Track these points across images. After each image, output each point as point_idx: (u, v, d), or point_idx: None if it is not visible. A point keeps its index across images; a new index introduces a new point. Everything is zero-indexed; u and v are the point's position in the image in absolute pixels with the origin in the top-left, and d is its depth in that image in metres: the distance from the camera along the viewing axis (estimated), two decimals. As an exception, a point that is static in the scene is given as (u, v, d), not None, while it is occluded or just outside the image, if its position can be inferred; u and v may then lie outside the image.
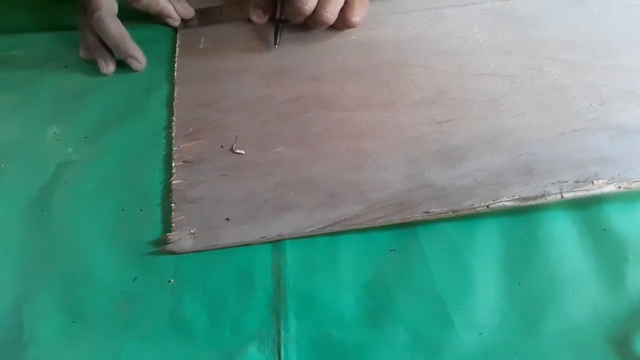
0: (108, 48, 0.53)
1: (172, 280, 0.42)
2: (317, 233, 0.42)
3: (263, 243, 0.43)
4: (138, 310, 0.40)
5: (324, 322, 0.39)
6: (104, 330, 0.39)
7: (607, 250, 0.42)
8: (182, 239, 0.43)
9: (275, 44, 0.53)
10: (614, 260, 0.41)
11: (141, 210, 0.45)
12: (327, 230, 0.42)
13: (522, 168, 0.44)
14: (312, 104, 0.50)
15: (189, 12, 0.57)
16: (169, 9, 0.56)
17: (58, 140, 0.49)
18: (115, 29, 0.52)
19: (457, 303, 0.39)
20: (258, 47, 0.55)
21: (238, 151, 0.47)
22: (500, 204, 0.42)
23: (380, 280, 0.41)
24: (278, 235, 0.42)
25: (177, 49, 0.56)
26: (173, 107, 0.51)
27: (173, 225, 0.43)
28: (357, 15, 0.53)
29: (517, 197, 0.43)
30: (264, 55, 0.54)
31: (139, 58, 0.53)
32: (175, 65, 0.55)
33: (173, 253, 0.42)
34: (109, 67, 0.53)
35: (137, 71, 0.53)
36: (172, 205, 0.44)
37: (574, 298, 0.39)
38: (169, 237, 0.43)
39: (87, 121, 0.50)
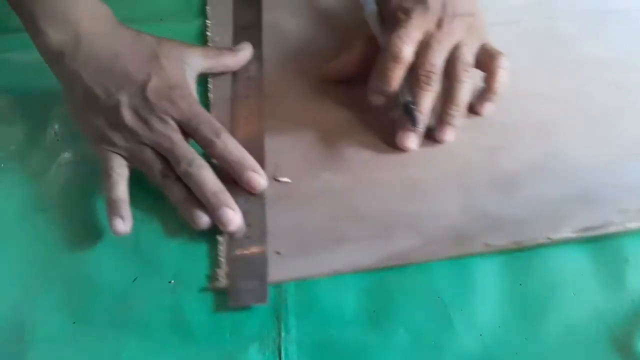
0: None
1: (173, 281, 0.41)
2: (374, 268, 0.41)
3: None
4: (138, 310, 0.39)
5: (325, 322, 0.39)
6: (104, 331, 0.39)
7: (607, 250, 0.41)
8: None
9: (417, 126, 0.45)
10: (615, 260, 0.41)
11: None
12: (384, 265, 0.41)
13: (581, 196, 0.43)
14: (358, 128, 0.48)
15: (244, 60, 0.53)
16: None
17: (58, 140, 0.49)
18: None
19: (458, 304, 0.39)
20: (298, 70, 0.53)
21: (283, 179, 0.46)
22: (562, 235, 0.41)
23: (381, 281, 0.41)
24: (333, 270, 0.41)
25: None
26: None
27: (221, 259, 0.41)
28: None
29: (580, 227, 0.41)
30: (303, 75, 0.52)
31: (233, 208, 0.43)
32: (210, 85, 0.53)
33: (222, 290, 0.40)
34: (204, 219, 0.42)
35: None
36: (219, 238, 0.42)
37: (574, 299, 0.39)
38: (218, 272, 0.41)
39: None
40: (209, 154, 0.44)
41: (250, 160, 0.44)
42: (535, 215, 0.42)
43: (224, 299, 0.40)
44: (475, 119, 0.48)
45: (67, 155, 0.48)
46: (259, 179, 0.44)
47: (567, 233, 0.41)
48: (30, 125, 0.50)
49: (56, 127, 0.50)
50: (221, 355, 0.38)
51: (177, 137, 0.43)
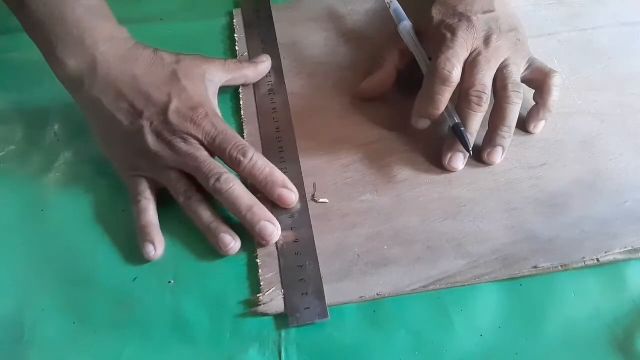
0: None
1: (172, 282, 0.41)
2: (419, 292, 0.40)
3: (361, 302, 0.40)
4: (138, 311, 0.39)
5: (325, 323, 0.38)
6: (104, 331, 0.39)
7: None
8: (274, 299, 0.40)
9: (469, 151, 0.44)
10: (615, 260, 0.40)
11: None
12: (430, 288, 0.40)
13: (630, 216, 0.42)
14: (394, 147, 0.47)
15: (264, 71, 0.53)
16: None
17: (58, 140, 0.49)
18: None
19: (458, 304, 0.39)
20: (335, 87, 0.52)
21: (321, 200, 0.45)
22: (612, 257, 0.40)
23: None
24: (377, 294, 0.40)
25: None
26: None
27: (262, 284, 0.40)
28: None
29: (630, 248, 0.40)
30: (332, 92, 0.52)
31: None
32: (242, 103, 0.52)
33: (265, 315, 0.39)
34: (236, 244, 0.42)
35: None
36: (258, 261, 0.41)
37: (575, 299, 0.39)
38: (260, 298, 0.40)
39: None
40: (238, 173, 0.43)
41: (279, 176, 0.43)
42: (585, 237, 0.41)
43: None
44: (516, 137, 0.46)
45: (67, 155, 0.49)
46: (290, 195, 0.43)
47: (616, 255, 0.40)
48: (30, 125, 0.51)
49: (56, 127, 0.50)
50: (221, 355, 0.38)
51: (203, 154, 0.43)
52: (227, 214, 0.43)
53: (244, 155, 0.42)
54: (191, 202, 0.42)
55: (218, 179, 0.41)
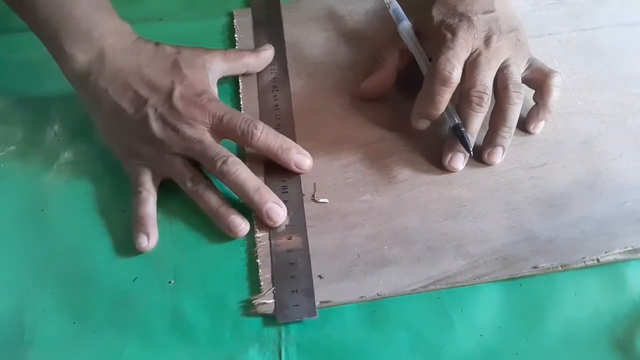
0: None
1: (172, 281, 0.41)
2: (419, 292, 0.40)
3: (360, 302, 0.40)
4: (138, 311, 0.39)
5: (325, 323, 0.38)
6: (104, 331, 0.39)
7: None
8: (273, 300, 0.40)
9: (469, 152, 0.44)
10: (614, 260, 0.40)
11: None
12: (430, 288, 0.40)
13: (630, 216, 0.42)
14: (394, 147, 0.47)
15: (266, 60, 0.53)
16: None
17: (58, 140, 0.49)
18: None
19: (458, 304, 0.39)
20: (335, 87, 0.52)
21: (321, 200, 0.45)
22: (612, 257, 0.40)
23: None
24: (377, 294, 0.40)
25: (240, 84, 0.53)
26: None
27: (262, 284, 0.40)
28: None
29: (630, 248, 0.40)
30: (331, 92, 0.52)
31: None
32: (241, 102, 0.52)
33: (265, 315, 0.39)
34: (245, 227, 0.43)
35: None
36: (258, 261, 0.41)
37: (575, 299, 0.38)
38: (260, 298, 0.40)
39: (88, 121, 0.48)
40: (251, 145, 0.44)
41: (292, 142, 0.44)
42: (585, 237, 0.41)
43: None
44: (516, 137, 0.46)
45: (67, 155, 0.49)
46: (305, 159, 0.45)
47: (616, 255, 0.40)
48: (30, 125, 0.51)
49: (56, 127, 0.50)
50: (221, 355, 0.37)
51: (208, 138, 0.43)
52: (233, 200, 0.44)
53: (255, 127, 0.43)
54: (198, 187, 0.43)
55: (225, 162, 0.42)
